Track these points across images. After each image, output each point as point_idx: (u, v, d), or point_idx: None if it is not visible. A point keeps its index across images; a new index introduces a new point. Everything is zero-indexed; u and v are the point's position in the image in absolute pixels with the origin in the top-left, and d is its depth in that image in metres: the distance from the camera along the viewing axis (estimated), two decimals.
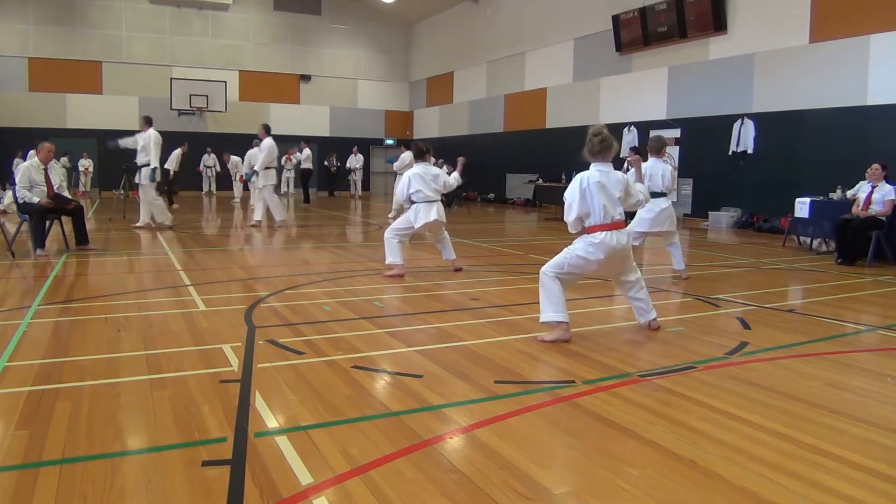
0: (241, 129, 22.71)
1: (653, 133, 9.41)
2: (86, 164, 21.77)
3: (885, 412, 3.20)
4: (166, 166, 17.04)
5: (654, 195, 6.61)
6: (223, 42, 23.61)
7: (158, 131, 11.30)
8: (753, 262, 8.46)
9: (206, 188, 22.10)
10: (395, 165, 15.14)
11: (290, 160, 21.06)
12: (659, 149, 6.98)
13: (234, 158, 19.58)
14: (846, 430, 2.94)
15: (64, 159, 19.98)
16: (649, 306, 4.72)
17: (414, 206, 6.98)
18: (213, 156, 21.71)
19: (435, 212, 6.90)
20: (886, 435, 2.90)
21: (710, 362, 3.97)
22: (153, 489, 2.31)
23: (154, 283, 6.42)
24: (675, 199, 7.00)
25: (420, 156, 7.07)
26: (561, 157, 17.81)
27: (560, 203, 17.74)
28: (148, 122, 11.39)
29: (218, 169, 21.81)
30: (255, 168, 12.08)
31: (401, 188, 7.14)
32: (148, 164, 11.03)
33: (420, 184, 6.90)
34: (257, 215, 12.26)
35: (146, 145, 11.00)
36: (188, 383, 3.41)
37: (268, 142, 12.11)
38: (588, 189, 4.32)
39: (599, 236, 4.32)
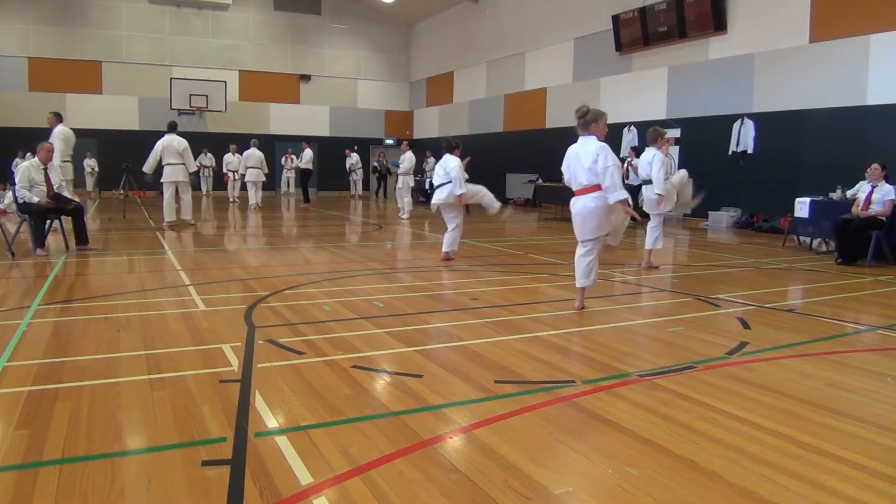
0: (241, 128, 22.73)
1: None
2: (91, 164, 21.74)
3: (885, 412, 3.20)
4: None
5: (646, 182, 7.66)
6: (223, 42, 23.59)
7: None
8: (753, 262, 8.46)
9: (204, 188, 22.07)
10: (400, 169, 15.16)
11: (290, 160, 21.02)
12: (654, 139, 7.68)
13: (229, 157, 19.57)
14: (846, 430, 2.94)
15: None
16: (580, 276, 5.26)
17: None
18: (209, 155, 21.67)
19: (440, 195, 7.86)
20: (886, 435, 2.90)
21: (710, 362, 3.97)
22: (153, 489, 2.31)
23: (154, 283, 6.41)
24: (660, 190, 7.51)
25: (448, 149, 7.98)
26: (561, 157, 17.67)
27: (560, 203, 17.71)
28: (57, 117, 10.69)
29: (215, 167, 21.76)
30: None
31: None
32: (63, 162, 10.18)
33: (437, 170, 8.03)
34: (184, 213, 11.97)
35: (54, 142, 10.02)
36: (188, 383, 3.41)
37: (165, 138, 11.51)
38: (567, 158, 5.25)
39: (572, 200, 5.23)
